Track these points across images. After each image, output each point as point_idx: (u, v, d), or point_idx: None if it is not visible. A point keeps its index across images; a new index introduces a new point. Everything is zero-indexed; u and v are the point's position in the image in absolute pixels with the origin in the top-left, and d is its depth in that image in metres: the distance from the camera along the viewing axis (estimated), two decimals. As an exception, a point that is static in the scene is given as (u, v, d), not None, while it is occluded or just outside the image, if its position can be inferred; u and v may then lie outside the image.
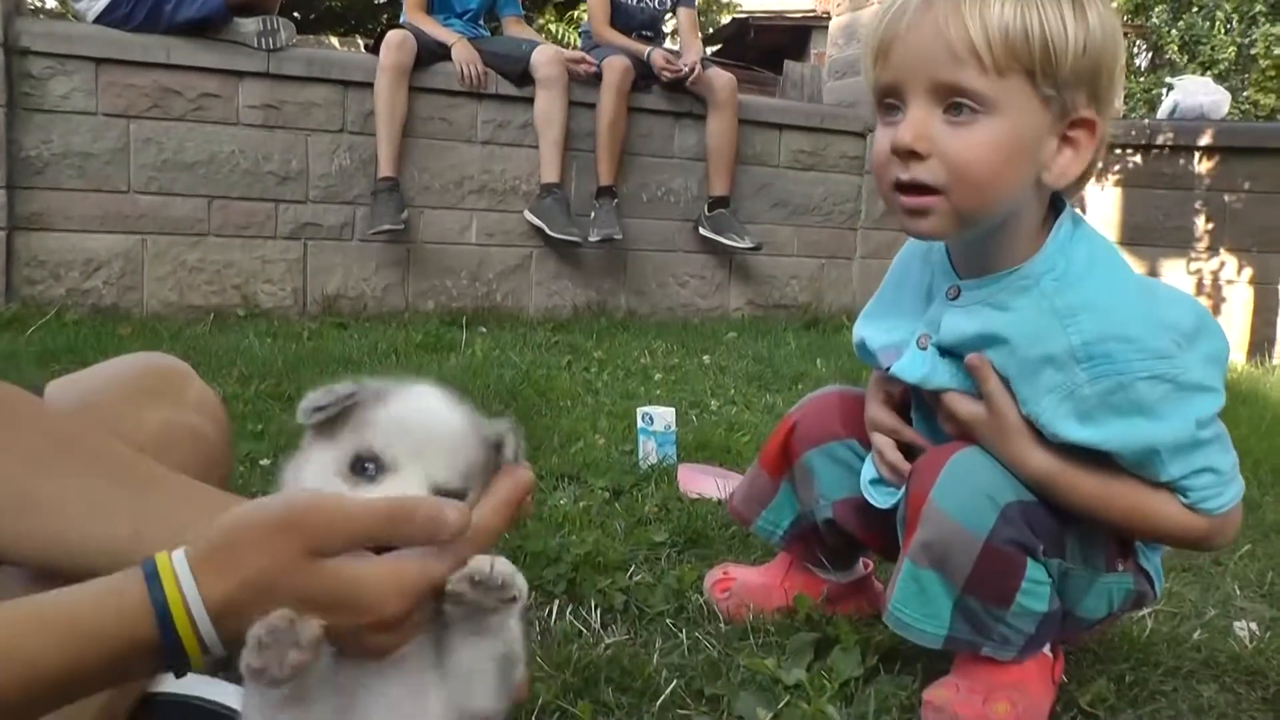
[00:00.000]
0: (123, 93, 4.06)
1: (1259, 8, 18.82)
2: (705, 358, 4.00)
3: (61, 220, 4.02)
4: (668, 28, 5.78)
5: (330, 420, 0.81)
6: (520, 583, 0.80)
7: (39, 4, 11.40)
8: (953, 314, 1.27)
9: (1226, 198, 5.47)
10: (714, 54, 11.76)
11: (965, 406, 1.27)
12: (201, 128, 4.20)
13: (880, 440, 1.39)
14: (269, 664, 0.69)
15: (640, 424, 2.44)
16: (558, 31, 10.92)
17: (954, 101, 1.14)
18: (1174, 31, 19.15)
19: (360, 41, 11.27)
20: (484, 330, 4.31)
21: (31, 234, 3.99)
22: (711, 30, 16.14)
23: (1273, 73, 18.85)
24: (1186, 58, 18.90)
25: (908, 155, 1.16)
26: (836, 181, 5.47)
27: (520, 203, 4.75)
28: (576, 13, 11.69)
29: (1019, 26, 1.10)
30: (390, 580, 0.74)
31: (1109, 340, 1.14)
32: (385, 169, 4.39)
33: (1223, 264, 5.49)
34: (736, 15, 15.10)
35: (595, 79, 4.72)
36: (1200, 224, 5.52)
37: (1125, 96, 17.03)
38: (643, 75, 4.85)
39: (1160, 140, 5.55)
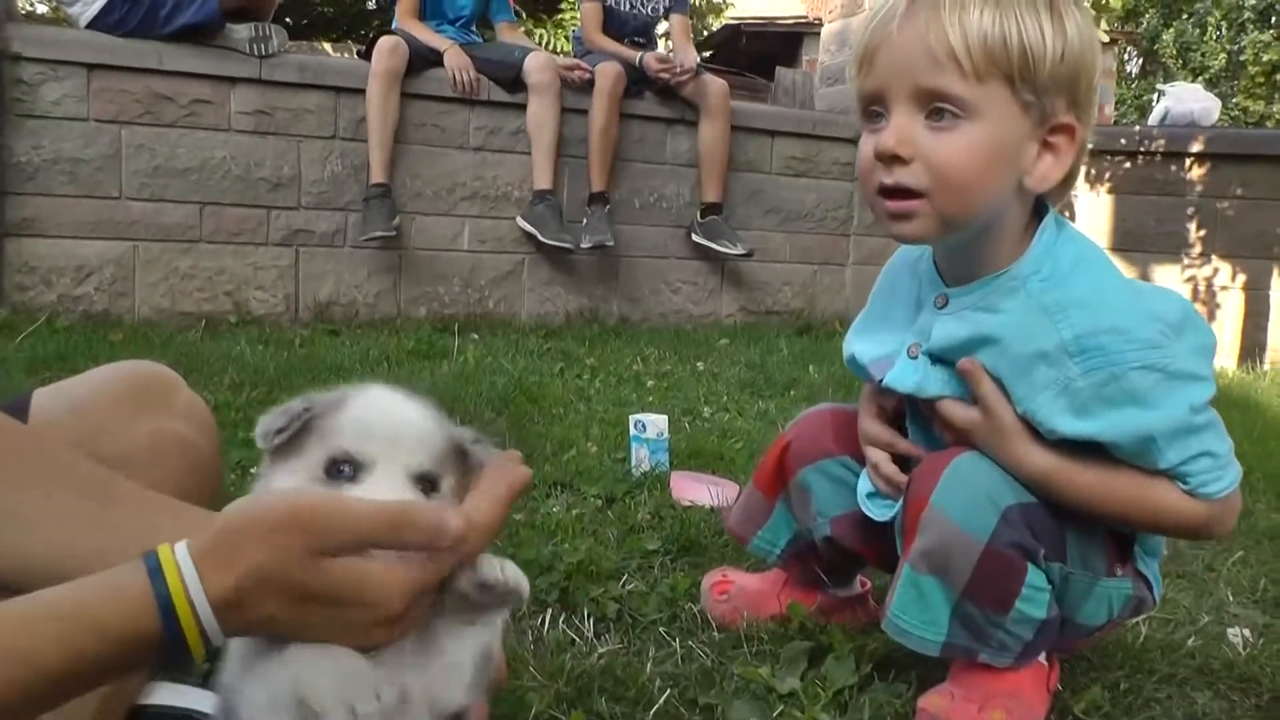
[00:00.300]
0: (114, 99, 4.05)
1: (1247, 15, 18.94)
2: (698, 364, 4.00)
3: (53, 226, 4.01)
4: (660, 33, 5.78)
5: (289, 439, 0.82)
6: (525, 586, 0.83)
7: (31, 9, 11.38)
8: (943, 321, 1.28)
9: (1218, 204, 5.49)
10: (706, 60, 11.77)
11: (960, 412, 1.27)
12: (193, 134, 4.19)
13: (875, 454, 1.40)
14: None
15: (633, 431, 2.44)
16: (542, 37, 10.91)
17: (936, 107, 1.16)
18: (1165, 37, 19.27)
19: (353, 47, 11.26)
20: (476, 337, 4.30)
21: (23, 240, 3.97)
22: (704, 35, 16.16)
23: (1261, 79, 18.96)
24: (1180, 64, 19.02)
25: (891, 160, 1.18)
26: (829, 188, 5.48)
27: (512, 209, 4.75)
28: (566, 18, 11.69)
29: (997, 33, 1.13)
30: (393, 578, 0.75)
31: (1100, 333, 1.16)
32: (377, 175, 4.38)
33: (1215, 270, 5.51)
34: (728, 21, 15.12)
35: (588, 85, 4.72)
36: (1193, 230, 5.54)
37: (1116, 103, 17.10)
38: (635, 81, 4.86)
39: (1152, 146, 5.57)
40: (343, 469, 0.80)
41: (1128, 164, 5.63)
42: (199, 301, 4.26)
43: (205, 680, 0.96)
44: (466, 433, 0.87)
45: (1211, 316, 5.47)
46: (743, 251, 4.98)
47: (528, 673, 1.34)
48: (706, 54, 13.66)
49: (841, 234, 5.56)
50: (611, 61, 4.75)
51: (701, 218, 5.05)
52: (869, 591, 1.64)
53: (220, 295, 4.30)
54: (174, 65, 4.11)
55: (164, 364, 1.16)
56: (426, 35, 4.61)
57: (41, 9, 12.02)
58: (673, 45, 5.30)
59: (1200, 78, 17.51)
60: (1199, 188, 5.52)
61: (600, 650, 1.44)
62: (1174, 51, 19.08)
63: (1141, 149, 5.59)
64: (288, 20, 11.12)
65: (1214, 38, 19.31)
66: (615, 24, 5.05)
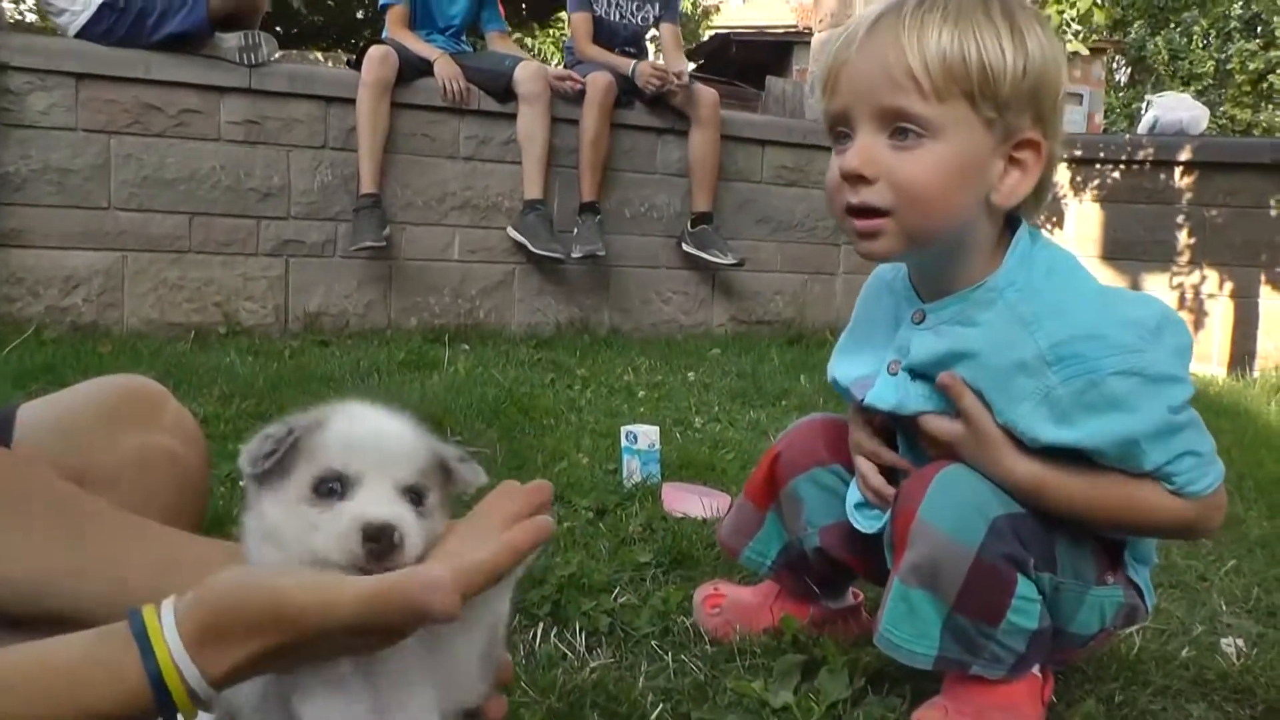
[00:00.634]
0: (103, 108, 4.03)
1: (1234, 24, 19.08)
2: (689, 374, 3.99)
3: (40, 237, 3.99)
4: (650, 44, 5.79)
5: (273, 465, 0.82)
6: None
7: (19, 17, 11.35)
8: (921, 336, 1.29)
9: (1206, 212, 5.51)
10: (696, 70, 11.81)
11: (943, 425, 1.28)
12: (182, 144, 4.17)
13: (863, 464, 1.40)
14: None
15: (624, 442, 2.43)
16: (534, 46, 10.93)
17: (898, 126, 1.18)
18: (1151, 46, 19.39)
19: (343, 57, 11.25)
20: (466, 348, 4.29)
21: (10, 250, 3.95)
22: (694, 44, 16.20)
23: (1248, 87, 19.09)
24: (1171, 71, 19.14)
25: (856, 180, 1.20)
26: (819, 197, 5.47)
27: (503, 219, 4.74)
28: (557, 32, 11.72)
29: (956, 52, 1.15)
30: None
31: (1076, 340, 1.17)
32: (367, 185, 4.37)
33: (1204, 278, 5.53)
34: (718, 31, 15.17)
35: (578, 95, 4.72)
36: (1181, 239, 5.57)
37: (1105, 111, 17.20)
38: (625, 91, 4.86)
39: (1141, 155, 5.60)
40: (333, 487, 0.80)
41: (1116, 173, 5.66)
42: (188, 312, 4.24)
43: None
44: (450, 449, 0.88)
45: (1200, 324, 5.50)
46: (733, 261, 4.98)
47: (520, 688, 1.33)
48: (697, 64, 13.69)
49: (832, 243, 5.57)
50: (602, 71, 4.75)
51: (692, 227, 5.05)
52: (862, 603, 1.64)
53: (210, 306, 4.28)
54: (163, 74, 4.09)
55: (153, 376, 1.16)
56: (417, 45, 4.61)
57: (31, 17, 11.99)
58: (663, 55, 5.30)
59: (1190, 87, 17.63)
60: (1187, 196, 5.55)
61: (592, 665, 1.43)
62: (1165, 59, 19.21)
63: (1130, 158, 5.62)
64: (277, 29, 11.10)
65: (1201, 46, 19.44)
66: (605, 34, 5.05)
